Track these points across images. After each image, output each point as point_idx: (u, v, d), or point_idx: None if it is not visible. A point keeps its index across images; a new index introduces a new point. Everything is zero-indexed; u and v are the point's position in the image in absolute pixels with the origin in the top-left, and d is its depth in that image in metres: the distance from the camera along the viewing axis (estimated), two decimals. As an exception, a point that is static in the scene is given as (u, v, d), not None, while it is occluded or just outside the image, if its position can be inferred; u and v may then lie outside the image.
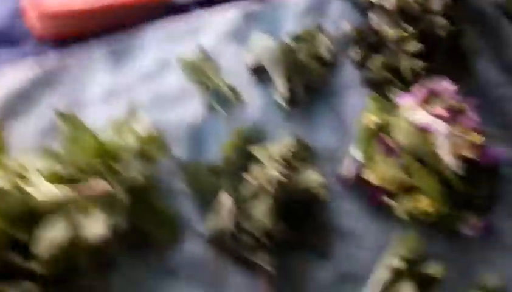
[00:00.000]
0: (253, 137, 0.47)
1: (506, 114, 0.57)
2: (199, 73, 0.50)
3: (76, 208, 0.35)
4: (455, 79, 0.54)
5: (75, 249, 0.35)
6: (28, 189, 0.35)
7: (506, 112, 0.57)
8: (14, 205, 0.34)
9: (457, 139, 0.44)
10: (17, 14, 0.51)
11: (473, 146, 0.45)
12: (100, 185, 0.36)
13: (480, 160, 0.45)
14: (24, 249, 0.34)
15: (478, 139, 0.44)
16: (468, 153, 0.44)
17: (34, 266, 0.33)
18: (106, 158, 0.40)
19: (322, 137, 0.50)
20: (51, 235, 0.34)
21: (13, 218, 0.34)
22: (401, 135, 0.46)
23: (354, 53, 0.54)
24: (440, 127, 0.44)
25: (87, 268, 0.38)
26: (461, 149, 0.44)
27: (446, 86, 0.46)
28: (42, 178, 0.36)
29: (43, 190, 0.35)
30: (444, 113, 0.44)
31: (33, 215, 0.34)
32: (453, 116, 0.45)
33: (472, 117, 0.45)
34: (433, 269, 0.46)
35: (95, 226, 0.36)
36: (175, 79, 0.50)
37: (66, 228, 0.34)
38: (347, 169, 0.49)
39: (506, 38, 0.59)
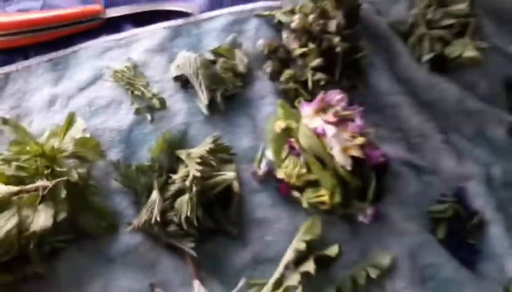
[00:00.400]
0: (177, 141, 0.54)
1: (397, 119, 0.67)
2: (129, 83, 0.56)
3: (22, 204, 0.41)
4: (352, 89, 0.64)
5: (22, 239, 0.41)
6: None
7: (396, 117, 0.67)
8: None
9: (345, 141, 0.54)
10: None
11: (360, 146, 0.55)
12: (41, 183, 0.42)
13: (367, 158, 0.56)
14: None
15: (362, 141, 0.54)
16: (355, 153, 0.55)
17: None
18: (45, 159, 0.46)
19: (239, 140, 0.58)
20: (1, 225, 0.40)
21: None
22: (302, 139, 0.56)
23: (268, 67, 0.63)
24: (330, 131, 0.53)
25: (35, 256, 0.44)
26: (349, 150, 0.55)
27: (336, 97, 0.56)
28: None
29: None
30: (333, 119, 0.54)
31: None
32: (342, 122, 0.55)
33: (358, 123, 0.55)
34: (331, 250, 0.56)
35: (39, 218, 0.42)
36: (108, 89, 0.56)
37: (14, 220, 0.40)
38: (261, 167, 0.58)
39: (396, 53, 0.68)
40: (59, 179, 0.44)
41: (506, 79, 0.72)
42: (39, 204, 0.43)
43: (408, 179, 0.63)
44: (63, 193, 0.44)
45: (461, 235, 0.64)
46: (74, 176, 0.46)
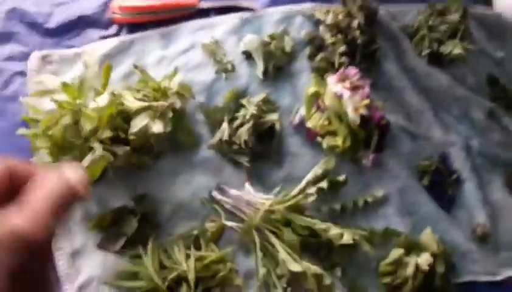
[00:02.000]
0: (241, 93, 0.80)
1: (400, 97, 0.87)
2: (212, 54, 0.82)
3: (148, 115, 0.68)
4: (367, 71, 0.87)
5: (147, 136, 0.67)
6: (125, 103, 0.67)
7: (400, 96, 0.87)
8: (119, 112, 0.66)
9: (356, 102, 0.77)
10: (105, 7, 0.82)
11: (367, 108, 0.78)
12: (160, 103, 0.68)
13: (371, 117, 0.79)
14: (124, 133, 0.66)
15: (367, 103, 0.77)
16: (363, 112, 0.78)
17: (132, 138, 0.65)
18: (160, 93, 0.72)
19: (282, 98, 0.82)
20: (137, 127, 0.66)
21: (119, 118, 0.66)
22: (327, 100, 0.79)
23: (307, 50, 0.87)
24: (346, 94, 0.77)
25: (149, 152, 0.70)
26: (359, 109, 0.78)
27: (353, 71, 0.79)
28: (132, 97, 0.68)
29: (132, 104, 0.67)
30: (349, 86, 0.77)
31: (128, 116, 0.67)
32: (355, 89, 0.78)
33: (366, 90, 0.78)
34: (340, 178, 0.79)
35: (156, 125, 0.68)
36: (198, 55, 0.82)
37: (145, 120, 0.66)
38: (295, 118, 0.82)
39: (403, 48, 0.89)
40: (168, 103, 0.70)
41: (489, 76, 0.93)
42: (156, 117, 0.69)
43: (405, 140, 0.85)
44: (169, 114, 0.71)
45: (441, 186, 0.85)
46: (177, 104, 0.72)
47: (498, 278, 0.80)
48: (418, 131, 0.86)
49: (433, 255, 0.74)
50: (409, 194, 0.82)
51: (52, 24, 0.79)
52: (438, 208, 0.82)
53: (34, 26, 0.79)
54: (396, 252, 0.75)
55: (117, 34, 0.81)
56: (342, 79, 0.79)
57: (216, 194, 0.74)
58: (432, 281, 0.74)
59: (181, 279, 0.65)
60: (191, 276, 0.64)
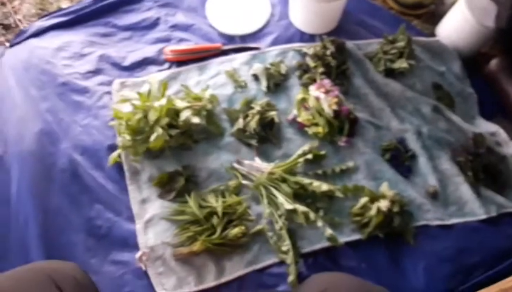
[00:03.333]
0: (251, 100, 1.17)
1: (366, 101, 1.22)
2: (232, 77, 1.21)
3: (190, 111, 1.06)
4: (341, 85, 1.24)
5: (189, 125, 1.05)
6: (176, 104, 1.06)
7: (366, 100, 1.21)
8: (172, 109, 1.05)
9: (329, 101, 1.13)
10: (160, 52, 1.25)
11: (336, 104, 1.13)
12: (197, 104, 1.07)
13: (340, 111, 1.14)
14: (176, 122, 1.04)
15: (336, 100, 1.12)
16: (334, 107, 1.13)
17: (180, 125, 1.03)
18: (197, 99, 1.11)
19: (280, 103, 1.19)
20: (183, 117, 1.04)
21: (172, 112, 1.05)
22: (310, 102, 1.16)
23: (297, 72, 1.25)
24: (322, 96, 1.13)
25: (190, 137, 1.08)
26: (331, 105, 1.13)
27: (325, 81, 1.16)
28: (180, 101, 1.07)
29: (180, 104, 1.06)
30: (324, 91, 1.14)
31: (178, 112, 1.05)
32: (328, 92, 1.14)
33: (335, 93, 1.14)
34: (322, 153, 1.13)
35: (193, 118, 1.05)
36: (222, 78, 1.22)
37: (187, 115, 1.04)
38: (290, 116, 1.19)
39: (366, 67, 1.25)
40: (201, 105, 1.09)
41: (434, 83, 1.27)
42: (195, 114, 1.07)
43: (370, 129, 1.18)
44: (203, 112, 1.09)
45: (399, 159, 1.17)
46: (208, 107, 1.10)
47: (447, 223, 1.08)
48: (380, 123, 1.20)
49: (391, 202, 1.04)
50: (374, 165, 1.14)
51: (127, 63, 1.22)
52: (398, 174, 1.13)
53: (115, 65, 1.22)
54: (363, 200, 1.06)
55: (169, 68, 1.23)
56: (319, 87, 1.16)
57: (236, 165, 1.09)
58: (392, 221, 1.04)
59: (213, 213, 0.99)
60: (219, 210, 0.98)
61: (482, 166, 1.14)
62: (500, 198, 1.12)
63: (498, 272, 1.00)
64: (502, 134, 1.22)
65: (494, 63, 1.31)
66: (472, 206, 1.10)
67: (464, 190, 1.12)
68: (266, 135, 1.13)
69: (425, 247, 1.03)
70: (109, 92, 1.16)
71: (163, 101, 1.03)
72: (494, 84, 1.31)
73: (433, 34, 1.38)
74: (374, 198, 1.06)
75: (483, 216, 1.09)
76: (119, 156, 1.05)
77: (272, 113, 1.14)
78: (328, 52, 1.21)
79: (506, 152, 1.19)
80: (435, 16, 1.42)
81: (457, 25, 1.30)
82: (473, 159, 1.14)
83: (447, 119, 1.23)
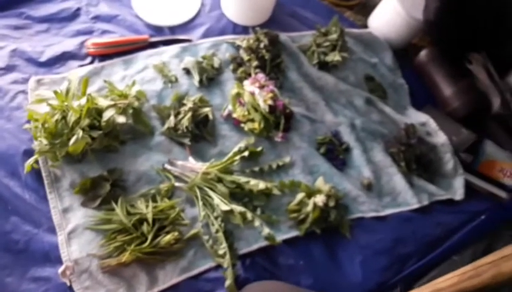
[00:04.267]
0: (183, 96, 1.11)
1: (301, 95, 1.20)
2: (161, 71, 1.14)
3: (114, 110, 0.98)
4: (276, 79, 1.21)
5: (114, 125, 0.97)
6: (98, 102, 0.97)
7: (301, 93, 1.20)
8: (94, 108, 0.97)
9: (264, 96, 1.10)
10: (82, 45, 1.14)
11: (271, 99, 1.10)
12: (122, 101, 0.99)
13: (276, 106, 1.11)
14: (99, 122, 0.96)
15: (271, 95, 1.09)
16: (269, 102, 1.10)
17: (103, 125, 0.95)
18: (123, 96, 1.03)
19: (214, 99, 1.14)
20: (107, 117, 0.96)
21: (94, 112, 0.96)
22: (245, 97, 1.12)
23: (231, 66, 1.20)
24: (257, 91, 1.09)
25: (116, 139, 1.00)
26: (266, 101, 1.10)
27: (260, 76, 1.12)
28: (103, 99, 0.98)
29: (103, 103, 0.97)
30: (258, 86, 1.10)
31: (101, 111, 0.97)
32: (263, 87, 1.11)
33: (270, 87, 1.11)
34: (258, 149, 1.10)
35: (120, 118, 0.98)
36: (150, 73, 1.14)
37: (112, 112, 0.96)
38: (225, 112, 1.14)
39: (300, 61, 1.24)
40: (126, 102, 1.01)
41: (366, 75, 1.28)
42: (120, 113, 0.99)
43: (305, 123, 1.17)
44: (130, 110, 1.01)
45: (334, 152, 1.17)
46: (135, 104, 1.03)
47: (382, 214, 1.10)
48: (315, 116, 1.19)
49: (327, 196, 1.04)
50: (310, 159, 1.13)
51: (44, 58, 1.11)
52: (333, 167, 1.13)
53: (31, 60, 1.10)
54: (299, 196, 1.04)
55: (91, 63, 1.13)
56: (254, 82, 1.12)
57: (167, 166, 1.03)
58: (328, 215, 1.03)
59: (143, 220, 0.92)
60: (149, 216, 0.92)
61: (414, 156, 1.16)
62: (431, 186, 1.16)
63: (431, 260, 1.03)
64: (432, 123, 1.25)
65: (423, 54, 1.34)
66: (405, 196, 1.13)
67: (397, 180, 1.14)
68: (200, 133, 1.07)
69: (361, 240, 1.04)
70: (24, 91, 1.05)
71: (84, 101, 0.95)
72: (423, 75, 1.34)
73: (365, 26, 1.39)
74: (311, 193, 1.05)
75: (416, 206, 1.12)
76: (36, 161, 0.96)
77: (206, 109, 1.08)
78: (262, 45, 1.17)
79: (436, 142, 1.22)
80: (367, 7, 1.43)
81: (388, 17, 1.31)
82: (406, 150, 1.16)
83: (379, 111, 1.24)
